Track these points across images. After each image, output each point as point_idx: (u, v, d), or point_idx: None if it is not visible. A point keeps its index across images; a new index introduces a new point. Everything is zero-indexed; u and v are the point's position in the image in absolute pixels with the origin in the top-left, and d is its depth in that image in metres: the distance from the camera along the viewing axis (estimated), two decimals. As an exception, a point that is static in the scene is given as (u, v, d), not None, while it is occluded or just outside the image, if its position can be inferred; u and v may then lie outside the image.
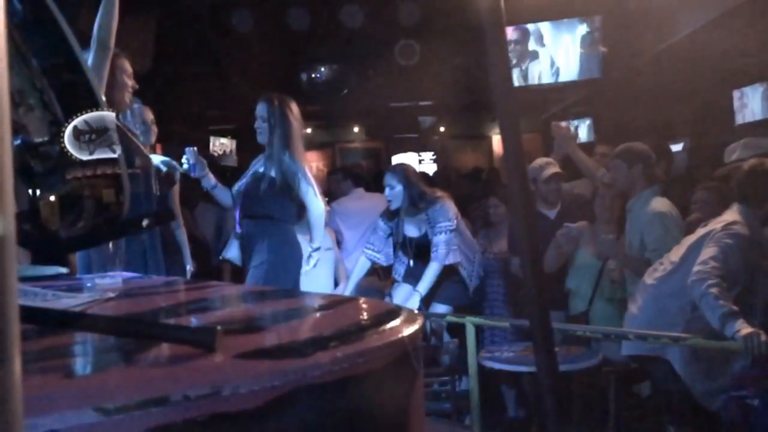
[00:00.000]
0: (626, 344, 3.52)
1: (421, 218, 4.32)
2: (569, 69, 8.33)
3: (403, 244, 4.43)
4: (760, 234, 3.32)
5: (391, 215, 4.46)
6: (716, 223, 3.28)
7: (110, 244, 1.49)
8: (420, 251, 4.34)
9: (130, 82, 3.28)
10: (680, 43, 6.57)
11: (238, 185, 3.86)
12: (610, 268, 4.04)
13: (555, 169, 4.50)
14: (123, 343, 0.78)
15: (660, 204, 3.75)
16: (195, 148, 3.84)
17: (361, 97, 9.31)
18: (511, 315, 4.62)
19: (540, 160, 4.63)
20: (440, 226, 4.20)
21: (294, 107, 3.82)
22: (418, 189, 4.33)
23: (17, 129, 1.16)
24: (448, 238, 4.20)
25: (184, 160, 3.74)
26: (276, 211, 3.68)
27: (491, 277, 4.85)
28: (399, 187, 4.31)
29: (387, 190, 4.36)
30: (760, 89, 7.19)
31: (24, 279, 1.37)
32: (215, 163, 9.08)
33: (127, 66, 3.29)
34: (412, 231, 4.40)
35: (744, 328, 2.87)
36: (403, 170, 4.42)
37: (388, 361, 0.76)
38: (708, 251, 3.13)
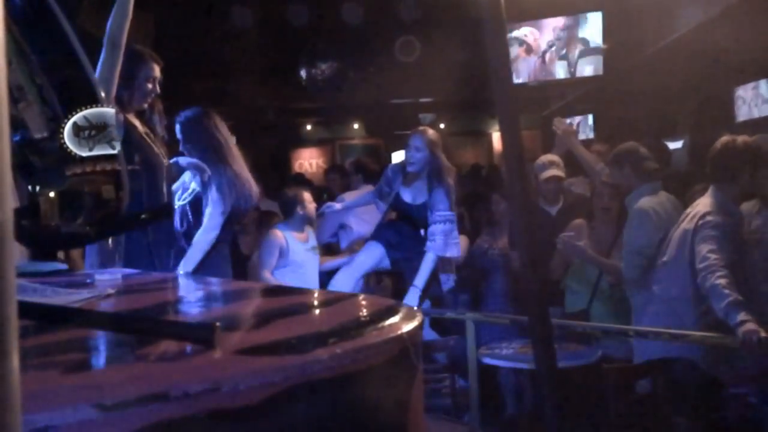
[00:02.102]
0: (648, 349, 3.50)
1: (422, 189, 4.12)
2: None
3: (395, 205, 4.25)
4: (737, 213, 3.32)
5: (403, 177, 4.22)
6: (692, 217, 3.29)
7: (110, 240, 1.49)
8: (404, 216, 4.19)
9: (150, 86, 3.26)
10: (681, 39, 6.56)
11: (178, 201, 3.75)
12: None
13: (556, 172, 4.50)
14: (122, 339, 0.78)
15: (645, 202, 3.73)
16: None
17: (361, 93, 9.31)
18: (513, 311, 4.62)
19: (545, 158, 4.64)
20: (440, 214, 4.00)
21: (201, 120, 3.64)
22: (441, 162, 4.11)
23: (17, 125, 1.16)
24: (446, 229, 4.01)
25: None
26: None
27: (494, 273, 4.86)
28: (426, 152, 4.06)
29: (412, 152, 4.09)
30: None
31: (23, 275, 1.37)
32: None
33: (154, 70, 3.26)
34: (405, 194, 4.19)
35: (746, 322, 2.88)
36: (431, 136, 4.15)
37: (387, 358, 0.76)
38: (703, 248, 3.15)
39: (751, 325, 2.87)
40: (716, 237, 3.14)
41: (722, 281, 3.00)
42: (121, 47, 2.80)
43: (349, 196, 5.36)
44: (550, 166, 4.52)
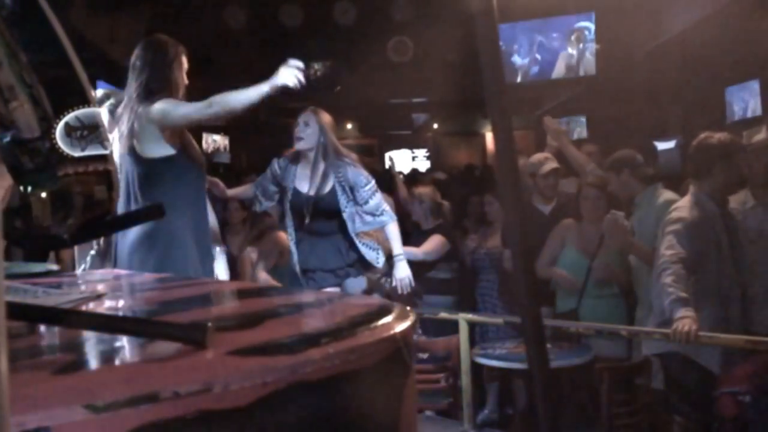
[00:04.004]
0: (650, 345, 3.55)
1: (323, 178, 3.83)
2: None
3: (294, 201, 3.88)
4: (711, 208, 3.34)
5: (295, 169, 3.90)
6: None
7: (101, 241, 1.49)
8: (312, 211, 3.83)
9: (185, 75, 3.25)
10: (673, 40, 6.60)
11: None
12: (595, 267, 4.07)
13: (554, 164, 4.55)
14: (113, 339, 0.78)
15: (671, 194, 3.79)
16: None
17: (354, 93, 9.32)
18: (504, 310, 4.64)
19: (539, 155, 4.70)
20: (369, 188, 3.80)
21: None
22: (333, 141, 3.84)
23: (7, 125, 1.15)
24: (381, 197, 3.85)
25: None
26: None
27: (483, 273, 4.88)
28: (315, 128, 3.79)
29: (301, 127, 3.81)
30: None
31: (14, 276, 1.37)
32: (208, 160, 9.08)
33: (185, 62, 3.25)
34: (303, 185, 3.87)
35: (685, 318, 2.96)
36: (322, 115, 3.85)
37: (380, 358, 0.76)
38: (663, 243, 3.21)
39: (688, 321, 2.95)
40: (675, 231, 3.21)
41: (668, 279, 3.07)
42: (220, 114, 2.97)
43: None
44: (546, 161, 4.56)
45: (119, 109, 3.12)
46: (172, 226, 2.87)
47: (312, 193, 3.83)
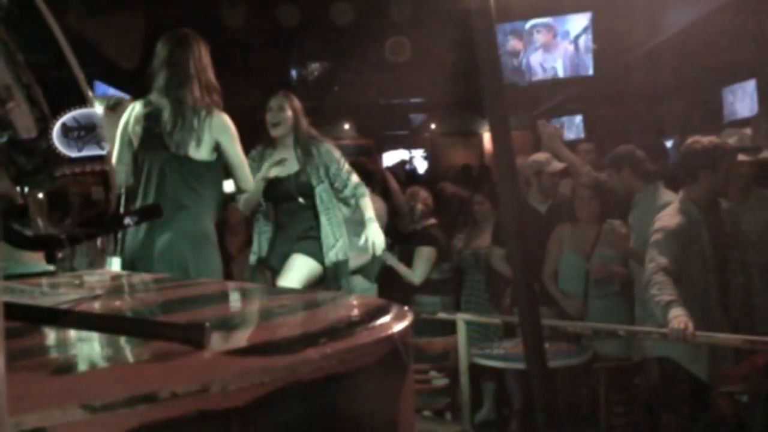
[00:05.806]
0: (647, 347, 3.56)
1: (290, 159, 3.74)
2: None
3: (271, 189, 3.74)
4: (695, 215, 3.33)
5: (264, 147, 3.83)
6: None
7: (98, 241, 1.48)
8: (282, 196, 3.75)
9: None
10: (671, 40, 6.61)
11: None
12: (591, 268, 4.07)
13: (562, 164, 4.55)
14: (111, 340, 0.78)
15: (670, 196, 3.78)
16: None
17: (352, 94, 9.32)
18: (488, 309, 4.66)
19: (543, 155, 4.68)
20: (344, 166, 3.78)
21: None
22: (305, 123, 3.78)
23: (4, 125, 1.15)
24: (354, 172, 3.81)
25: None
26: None
27: (469, 272, 4.88)
28: (290, 114, 3.73)
29: (275, 113, 3.73)
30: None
31: (11, 276, 1.36)
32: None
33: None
34: (280, 171, 3.74)
35: (679, 316, 2.97)
36: (292, 98, 3.79)
37: (377, 357, 0.76)
38: (647, 256, 3.24)
39: (683, 319, 2.97)
40: (656, 242, 3.23)
41: (654, 290, 3.11)
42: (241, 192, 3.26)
43: None
44: (553, 160, 4.56)
45: (146, 107, 3.04)
46: (206, 226, 2.97)
47: (284, 175, 3.73)
